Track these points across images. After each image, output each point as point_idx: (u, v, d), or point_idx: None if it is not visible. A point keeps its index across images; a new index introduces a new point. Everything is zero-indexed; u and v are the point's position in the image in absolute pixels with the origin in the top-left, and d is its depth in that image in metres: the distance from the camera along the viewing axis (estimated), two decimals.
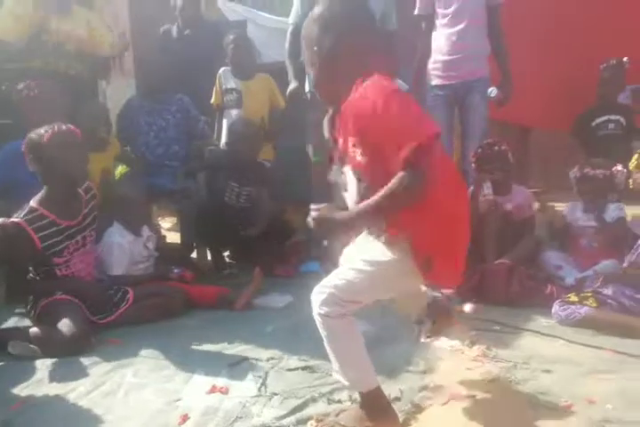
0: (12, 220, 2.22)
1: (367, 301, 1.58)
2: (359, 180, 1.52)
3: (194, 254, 3.44)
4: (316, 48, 1.50)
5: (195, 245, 3.43)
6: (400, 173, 1.37)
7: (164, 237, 3.50)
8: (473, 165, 3.05)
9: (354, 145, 1.48)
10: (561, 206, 3.25)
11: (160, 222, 4.10)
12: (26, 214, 2.25)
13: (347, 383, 1.55)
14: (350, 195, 1.57)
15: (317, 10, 1.53)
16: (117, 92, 4.15)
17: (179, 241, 3.43)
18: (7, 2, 3.15)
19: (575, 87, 4.16)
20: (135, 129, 3.39)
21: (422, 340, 1.90)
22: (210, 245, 3.40)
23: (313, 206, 1.52)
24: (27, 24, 3.12)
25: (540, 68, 4.22)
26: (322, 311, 1.50)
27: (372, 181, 1.46)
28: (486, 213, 2.91)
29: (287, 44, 3.40)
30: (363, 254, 1.54)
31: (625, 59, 3.88)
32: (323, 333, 1.53)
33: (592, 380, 1.84)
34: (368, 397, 1.54)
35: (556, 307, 2.36)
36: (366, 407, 1.55)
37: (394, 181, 1.37)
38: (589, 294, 2.34)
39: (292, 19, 3.43)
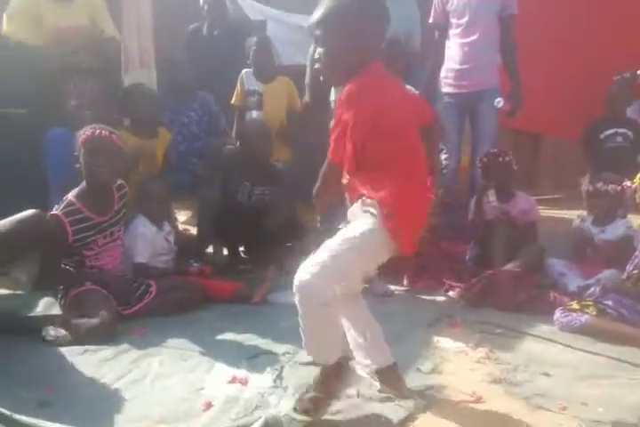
0: (52, 213, 2.40)
1: (354, 277, 1.71)
2: None
3: (209, 249, 3.56)
4: (335, 31, 1.65)
5: (211, 239, 3.56)
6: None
7: (187, 230, 3.62)
8: (480, 171, 3.17)
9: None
10: (572, 214, 3.36)
11: (176, 215, 4.22)
12: (64, 207, 2.42)
13: (311, 356, 1.71)
14: None
15: None
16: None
17: (194, 234, 3.56)
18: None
19: (587, 97, 4.24)
20: None
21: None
22: (226, 241, 3.52)
23: None
24: (36, 19, 3.15)
25: (553, 77, 4.31)
26: (306, 294, 1.59)
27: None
28: (493, 220, 3.03)
29: (312, 49, 3.46)
30: (347, 231, 1.69)
31: (639, 72, 3.96)
32: (301, 310, 1.64)
33: (587, 384, 1.95)
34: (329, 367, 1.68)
35: (557, 313, 2.47)
36: (323, 373, 1.69)
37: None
38: (590, 303, 2.45)
39: None
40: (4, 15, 3.17)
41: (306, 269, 1.60)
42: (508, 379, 1.99)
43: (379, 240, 1.67)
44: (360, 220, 1.71)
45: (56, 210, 2.42)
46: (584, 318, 2.38)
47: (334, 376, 1.70)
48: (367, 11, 1.67)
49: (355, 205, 1.77)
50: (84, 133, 2.42)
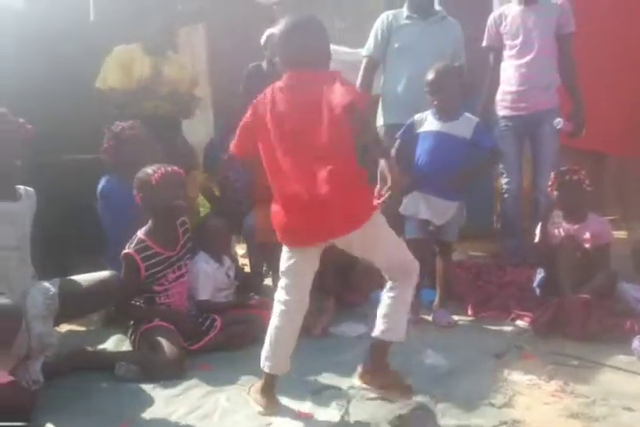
0: (125, 251, 2.51)
1: (289, 275, 2.02)
2: None
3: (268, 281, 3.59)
4: None
5: (270, 272, 3.60)
6: None
7: (244, 264, 3.67)
8: (549, 189, 3.05)
9: None
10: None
11: (236, 249, 4.30)
12: (135, 245, 2.53)
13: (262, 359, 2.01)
14: None
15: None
16: (193, 125, 4.42)
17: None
18: (114, 52, 3.44)
19: None
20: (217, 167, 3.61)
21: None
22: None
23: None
24: (133, 73, 3.39)
25: (615, 94, 4.17)
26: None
27: None
28: (560, 244, 2.92)
29: (360, 78, 3.51)
30: None
31: None
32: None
33: None
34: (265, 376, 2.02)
35: (636, 342, 2.34)
36: (262, 383, 2.03)
37: None
38: None
39: (366, 51, 3.55)
40: (103, 67, 3.42)
41: None
42: (586, 414, 1.90)
43: None
44: None
45: (128, 248, 2.52)
46: None
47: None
48: None
49: None
50: (154, 173, 2.50)
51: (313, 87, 1.89)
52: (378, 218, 1.95)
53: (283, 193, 1.95)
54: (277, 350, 2.00)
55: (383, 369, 2.08)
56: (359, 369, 2.11)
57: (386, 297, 2.06)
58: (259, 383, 2.05)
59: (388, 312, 2.04)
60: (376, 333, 2.05)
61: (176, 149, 3.36)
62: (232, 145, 2.05)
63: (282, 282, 2.03)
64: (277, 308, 2.03)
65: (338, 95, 1.80)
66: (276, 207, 1.99)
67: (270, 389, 2.02)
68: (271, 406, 1.99)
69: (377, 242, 1.98)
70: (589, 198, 3.00)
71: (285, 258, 2.02)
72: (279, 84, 1.97)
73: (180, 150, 3.40)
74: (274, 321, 2.02)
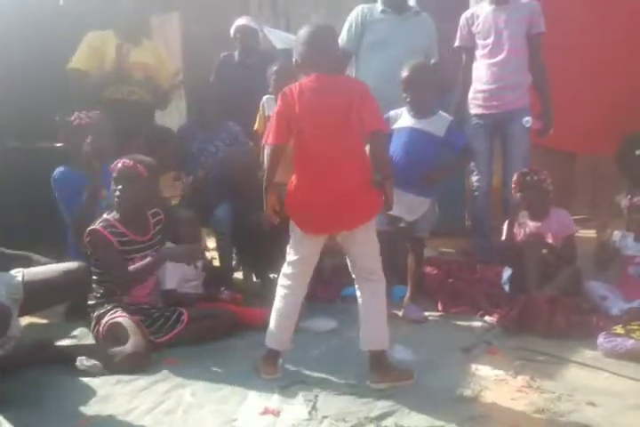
0: (91, 227, 2.45)
1: (295, 264, 2.18)
2: None
3: (239, 275, 3.55)
4: None
5: (240, 267, 3.56)
6: None
7: (212, 259, 3.62)
8: (513, 191, 3.09)
9: None
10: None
11: (207, 242, 4.24)
12: (100, 222, 2.49)
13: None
14: None
15: None
16: (166, 113, 4.34)
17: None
18: (87, 36, 3.43)
19: (620, 113, 4.15)
20: (188, 156, 3.55)
21: None
22: (253, 269, 3.49)
23: None
24: (102, 55, 3.38)
25: (585, 94, 4.24)
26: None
27: None
28: (525, 242, 2.96)
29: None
30: None
31: None
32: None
33: (636, 414, 1.86)
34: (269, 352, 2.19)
35: (601, 339, 2.37)
36: (265, 355, 2.21)
37: None
38: (636, 327, 2.36)
39: (339, 43, 3.51)
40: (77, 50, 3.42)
41: None
42: (551, 409, 1.91)
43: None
44: None
45: (93, 225, 2.47)
46: (630, 342, 2.29)
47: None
48: None
49: None
50: (115, 165, 2.50)
51: (341, 91, 2.09)
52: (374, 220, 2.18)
53: (309, 182, 2.09)
54: (281, 329, 2.18)
55: (387, 367, 2.11)
56: (370, 376, 2.10)
57: (360, 304, 2.16)
58: (264, 356, 2.21)
59: (364, 321, 2.14)
60: (360, 344, 2.13)
61: (149, 138, 3.28)
62: (272, 136, 2.09)
63: (287, 269, 2.18)
64: (281, 291, 2.19)
65: (371, 116, 2.06)
66: (297, 195, 2.11)
67: (275, 360, 2.20)
68: (273, 371, 2.17)
69: (368, 241, 2.15)
70: (552, 197, 3.05)
71: (294, 247, 2.16)
72: (308, 84, 2.10)
73: (153, 141, 3.32)
74: (277, 304, 2.19)
